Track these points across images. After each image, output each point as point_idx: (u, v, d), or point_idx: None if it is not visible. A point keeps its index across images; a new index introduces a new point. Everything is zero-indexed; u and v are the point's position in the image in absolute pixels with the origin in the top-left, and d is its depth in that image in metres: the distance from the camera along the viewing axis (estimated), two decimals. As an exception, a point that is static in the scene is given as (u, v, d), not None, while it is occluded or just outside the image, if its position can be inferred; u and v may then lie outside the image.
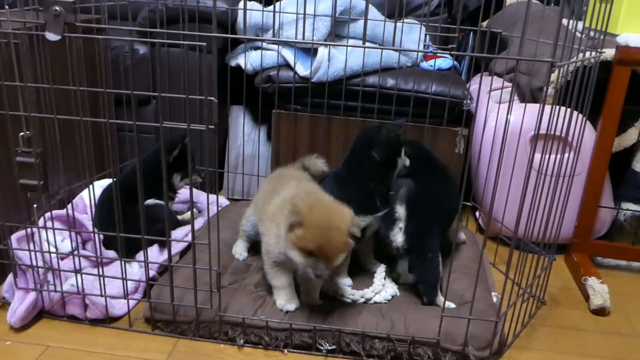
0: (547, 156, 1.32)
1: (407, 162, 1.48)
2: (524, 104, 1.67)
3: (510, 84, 1.87)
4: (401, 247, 1.39)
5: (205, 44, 1.08)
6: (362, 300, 1.38)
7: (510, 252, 1.21)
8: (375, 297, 1.39)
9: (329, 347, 1.23)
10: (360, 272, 1.52)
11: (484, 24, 2.20)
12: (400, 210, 1.38)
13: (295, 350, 1.26)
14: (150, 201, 1.50)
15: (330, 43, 1.62)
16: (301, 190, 1.27)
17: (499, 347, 1.26)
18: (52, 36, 1.08)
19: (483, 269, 1.55)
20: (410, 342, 1.21)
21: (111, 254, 1.46)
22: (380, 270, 1.49)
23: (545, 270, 1.45)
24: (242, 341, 1.26)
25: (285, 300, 1.28)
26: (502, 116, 1.69)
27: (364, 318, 1.25)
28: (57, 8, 1.07)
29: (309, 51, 1.80)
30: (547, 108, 1.19)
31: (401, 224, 1.38)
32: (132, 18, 1.89)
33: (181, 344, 1.27)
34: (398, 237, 1.39)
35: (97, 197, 1.52)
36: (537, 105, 1.65)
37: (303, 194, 1.23)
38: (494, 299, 1.37)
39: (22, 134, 1.18)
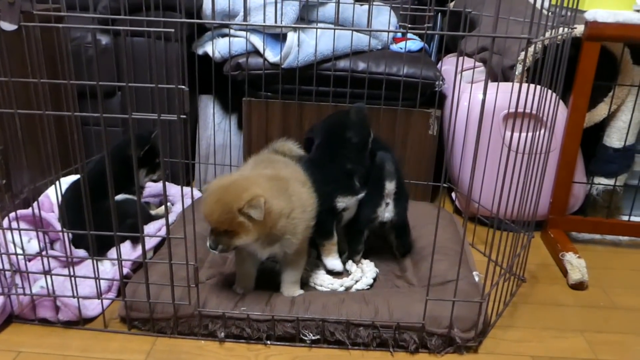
0: (520, 134, 1.32)
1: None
2: (496, 83, 1.67)
3: (481, 64, 1.87)
4: (391, 220, 1.44)
5: (172, 30, 1.03)
6: (342, 289, 1.36)
7: (493, 234, 1.20)
8: (356, 285, 1.37)
9: (313, 337, 1.21)
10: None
11: (451, 5, 2.19)
12: (390, 186, 1.40)
13: (278, 343, 1.23)
14: (119, 196, 1.45)
15: (299, 26, 1.58)
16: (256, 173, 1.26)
17: (484, 327, 1.26)
18: (7, 26, 1.02)
19: (464, 249, 1.55)
20: (396, 328, 1.20)
21: (81, 252, 1.41)
22: (350, 264, 1.48)
23: (525, 248, 1.45)
24: (223, 334, 1.22)
25: (236, 284, 1.30)
26: (474, 96, 1.69)
27: (347, 306, 1.23)
28: (11, -5, 1.01)
29: (278, 37, 1.76)
30: (519, 86, 1.18)
31: (388, 199, 1.41)
32: (93, 8, 1.82)
33: (160, 343, 1.23)
34: (386, 212, 1.43)
35: (60, 196, 1.46)
36: (509, 84, 1.66)
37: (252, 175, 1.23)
38: (476, 279, 1.37)
39: (-21, 131, 1.12)
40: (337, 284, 1.37)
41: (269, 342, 1.23)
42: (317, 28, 1.64)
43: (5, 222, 1.30)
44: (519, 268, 1.50)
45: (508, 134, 1.67)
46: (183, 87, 1.04)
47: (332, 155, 1.41)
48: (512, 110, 1.64)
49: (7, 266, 1.23)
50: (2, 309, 1.25)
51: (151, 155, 1.55)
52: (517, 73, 1.68)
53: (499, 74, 1.78)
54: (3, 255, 1.22)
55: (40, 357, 1.18)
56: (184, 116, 1.05)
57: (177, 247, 1.30)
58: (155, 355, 1.20)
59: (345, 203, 1.39)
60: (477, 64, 1.86)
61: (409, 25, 1.16)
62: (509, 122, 1.67)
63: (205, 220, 1.14)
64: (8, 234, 1.29)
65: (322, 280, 1.38)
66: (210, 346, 1.23)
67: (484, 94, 1.19)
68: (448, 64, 2.07)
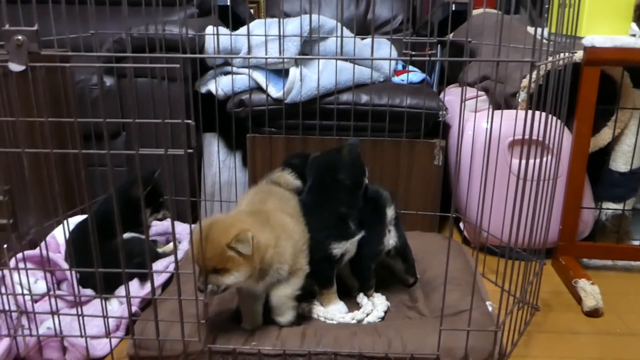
0: (527, 161, 1.32)
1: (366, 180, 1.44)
2: (499, 111, 1.68)
3: (483, 93, 1.89)
4: (395, 246, 1.42)
5: (177, 65, 1.04)
6: (353, 322, 1.33)
7: (505, 263, 1.18)
8: (368, 318, 1.35)
9: (326, 372, 1.18)
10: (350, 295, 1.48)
11: (450, 35, 2.23)
12: (390, 212, 1.38)
13: (290, 378, 1.20)
14: (125, 235, 1.44)
15: (300, 56, 1.61)
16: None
17: (500, 357, 1.23)
18: (15, 67, 1.04)
19: (474, 278, 1.53)
20: (410, 360, 1.17)
21: (88, 292, 1.39)
22: (361, 296, 1.45)
23: (537, 276, 1.43)
24: (234, 373, 1.20)
25: (244, 321, 1.28)
26: (478, 124, 1.69)
27: (359, 339, 1.20)
28: (19, 37, 1.02)
29: (281, 72, 1.78)
30: (523, 113, 1.18)
31: (390, 226, 1.39)
32: (96, 51, 1.85)
33: (169, 382, 1.20)
34: (390, 240, 1.41)
35: (67, 235, 1.46)
36: (513, 111, 1.67)
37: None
38: (489, 308, 1.35)
39: (-13, 171, 1.12)
40: (348, 317, 1.34)
41: (280, 378, 1.20)
42: (318, 58, 1.65)
43: (12, 263, 1.29)
44: (531, 296, 1.47)
45: (514, 161, 1.67)
46: (190, 121, 1.04)
47: (324, 198, 1.36)
48: (517, 137, 1.65)
49: (13, 307, 1.21)
50: (7, 352, 1.22)
51: (155, 194, 1.55)
52: (520, 100, 1.69)
53: (501, 102, 1.79)
54: (10, 297, 1.21)
55: (47, 401, 1.15)
56: (191, 150, 1.06)
57: (186, 285, 1.28)
58: (164, 395, 1.17)
59: (342, 249, 1.34)
60: (479, 93, 1.88)
61: (412, 52, 1.17)
62: (514, 149, 1.68)
63: (195, 261, 1.13)
64: (15, 274, 1.28)
65: (333, 314, 1.35)
66: (221, 384, 1.20)
67: (488, 121, 1.19)
68: (450, 95, 2.09)
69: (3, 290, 1.21)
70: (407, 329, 1.25)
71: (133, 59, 1.75)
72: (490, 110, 1.72)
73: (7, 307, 1.21)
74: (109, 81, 1.83)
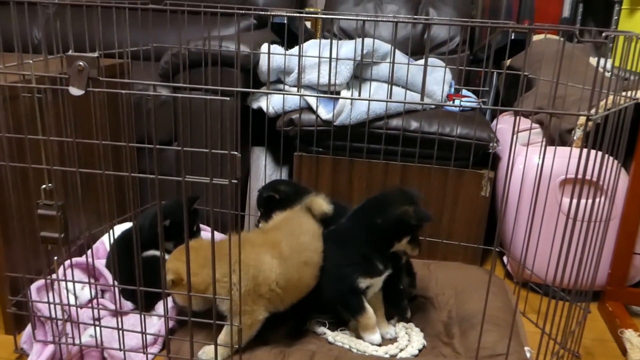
0: (578, 201, 1.27)
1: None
2: (553, 147, 1.63)
3: (538, 125, 1.84)
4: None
5: (228, 99, 1.07)
6: (386, 356, 1.33)
7: (547, 304, 1.15)
8: (401, 354, 1.34)
9: (355, 408, 1.18)
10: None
11: (507, 62, 2.18)
12: None
13: (318, 410, 1.20)
14: (155, 252, 1.46)
15: (352, 98, 1.60)
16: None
17: (534, 409, 1.19)
18: (75, 91, 1.08)
19: (515, 321, 1.49)
20: (440, 405, 1.16)
21: (129, 304, 1.43)
22: (400, 327, 1.44)
23: (580, 325, 1.38)
24: (263, 399, 1.21)
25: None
26: (530, 159, 1.65)
27: (390, 376, 1.20)
28: (80, 63, 1.06)
29: (332, 94, 1.78)
30: (578, 151, 1.14)
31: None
32: (154, 59, 1.90)
33: (200, 402, 1.23)
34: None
35: (111, 243, 1.49)
36: (567, 148, 1.61)
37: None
38: (527, 355, 1.31)
39: (44, 186, 1.17)
40: (381, 351, 1.34)
41: (309, 409, 1.20)
42: (369, 100, 1.64)
43: (61, 269, 1.34)
44: (573, 343, 1.42)
45: (565, 200, 1.62)
46: (235, 153, 1.06)
47: (362, 234, 1.34)
48: (570, 175, 1.59)
49: (59, 315, 1.27)
50: (52, 357, 1.28)
51: (190, 222, 1.54)
52: (575, 137, 1.64)
53: (556, 137, 1.74)
54: (56, 305, 1.26)
55: (84, 409, 1.20)
56: (235, 181, 1.07)
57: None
58: (194, 414, 1.19)
59: (368, 283, 1.33)
60: (534, 125, 1.83)
61: (464, 91, 1.15)
62: (566, 187, 1.62)
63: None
64: (63, 281, 1.34)
65: (366, 347, 1.35)
66: (250, 409, 1.21)
67: (540, 157, 1.16)
68: (503, 123, 2.04)
69: (51, 297, 1.27)
70: (440, 369, 1.23)
71: (189, 72, 1.80)
72: (544, 145, 1.67)
73: (53, 315, 1.26)
74: (164, 93, 1.88)
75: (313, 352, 1.29)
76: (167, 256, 1.43)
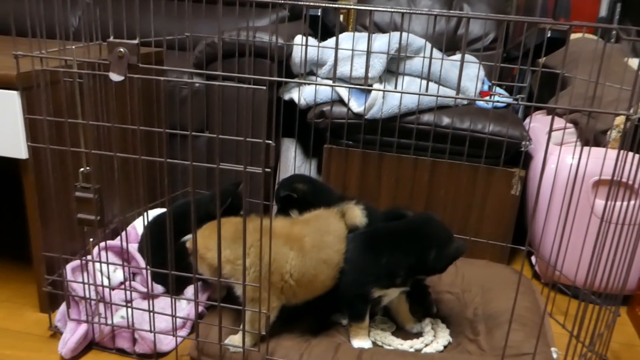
0: (611, 203, 1.26)
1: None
2: (587, 147, 1.60)
3: (572, 125, 1.81)
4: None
5: (264, 87, 1.08)
6: (411, 350, 1.33)
7: (578, 307, 1.14)
8: (426, 349, 1.34)
9: (378, 400, 1.19)
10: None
11: (542, 60, 2.14)
12: None
13: (342, 400, 1.22)
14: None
15: (384, 90, 1.59)
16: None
17: (559, 410, 1.19)
18: (115, 77, 1.10)
19: (541, 320, 1.48)
20: (464, 400, 1.16)
21: (160, 288, 1.46)
22: (427, 322, 1.44)
23: (609, 328, 1.36)
24: (288, 387, 1.23)
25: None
26: (563, 159, 1.63)
27: (415, 370, 1.20)
28: (121, 49, 1.09)
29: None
30: (613, 152, 1.12)
31: None
32: (189, 48, 1.93)
33: (226, 386, 1.25)
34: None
35: (144, 229, 1.52)
36: (602, 149, 1.59)
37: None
38: (554, 355, 1.30)
39: (81, 169, 1.20)
40: (406, 345, 1.34)
41: (333, 399, 1.22)
42: (401, 92, 1.63)
43: (95, 251, 1.38)
44: (601, 346, 1.40)
45: (597, 201, 1.59)
46: (270, 142, 1.07)
47: (390, 247, 1.30)
48: (604, 177, 1.57)
49: (93, 295, 1.30)
50: (84, 336, 1.32)
51: (233, 209, 1.57)
52: (611, 138, 1.61)
53: (590, 137, 1.71)
54: (90, 285, 1.30)
55: (114, 388, 1.24)
56: (269, 169, 1.09)
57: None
58: (220, 398, 1.21)
59: (381, 294, 1.31)
60: (568, 125, 1.80)
61: (497, 89, 1.14)
62: (599, 189, 1.60)
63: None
64: (97, 263, 1.37)
65: (391, 340, 1.36)
66: (275, 396, 1.23)
67: (574, 158, 1.14)
68: (536, 122, 2.01)
69: (85, 278, 1.30)
70: (465, 366, 1.23)
71: (223, 64, 1.82)
72: (578, 145, 1.65)
73: (87, 295, 1.30)
74: (198, 82, 1.90)
75: (338, 343, 1.30)
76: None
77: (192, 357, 1.30)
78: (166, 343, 1.34)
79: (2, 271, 1.66)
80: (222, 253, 1.19)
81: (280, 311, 1.33)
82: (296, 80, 1.43)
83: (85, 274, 1.34)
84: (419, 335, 1.41)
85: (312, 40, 1.90)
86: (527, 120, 2.05)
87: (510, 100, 1.87)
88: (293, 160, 2.00)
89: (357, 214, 1.38)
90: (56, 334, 1.38)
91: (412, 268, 1.29)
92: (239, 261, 1.21)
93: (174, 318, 1.29)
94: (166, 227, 1.18)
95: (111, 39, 1.09)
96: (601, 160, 1.51)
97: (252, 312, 1.23)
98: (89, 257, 1.34)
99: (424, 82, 1.79)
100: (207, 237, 1.25)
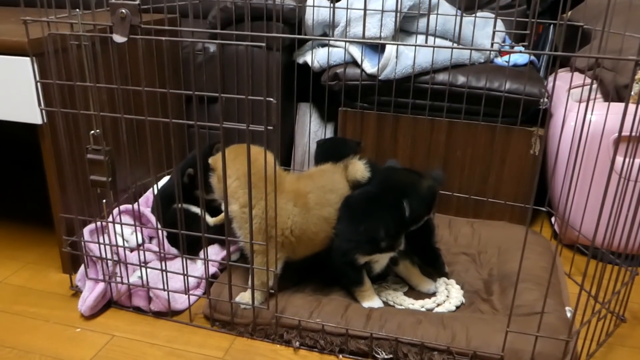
0: (631, 160, 1.22)
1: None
2: (607, 103, 1.55)
3: (593, 81, 1.74)
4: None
5: (264, 44, 1.07)
6: (422, 309, 1.33)
7: (590, 264, 1.11)
8: (438, 308, 1.34)
9: (386, 356, 1.20)
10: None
11: (567, 15, 2.06)
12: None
13: (351, 356, 1.23)
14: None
15: (398, 43, 1.57)
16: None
17: (570, 367, 1.17)
18: (118, 38, 1.11)
19: (557, 279, 1.45)
20: (472, 357, 1.16)
21: (174, 250, 1.50)
22: (441, 282, 1.43)
23: (627, 285, 1.33)
24: (297, 344, 1.25)
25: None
26: (582, 116, 1.57)
27: (423, 328, 1.20)
28: (123, 11, 1.09)
29: (377, 48, 1.76)
30: (633, 107, 1.08)
31: None
32: (202, 16, 1.93)
33: (238, 342, 1.28)
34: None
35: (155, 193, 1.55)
36: (622, 104, 1.53)
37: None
38: (568, 314, 1.28)
39: (92, 132, 1.23)
40: (417, 305, 1.34)
41: (341, 355, 1.23)
42: (415, 45, 1.60)
43: (116, 213, 1.41)
44: (619, 306, 1.38)
45: (618, 158, 1.54)
46: (271, 99, 1.07)
47: (373, 211, 1.28)
48: (625, 133, 1.51)
49: (110, 256, 1.34)
50: (102, 295, 1.36)
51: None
52: (632, 93, 1.55)
53: (612, 92, 1.65)
54: (107, 246, 1.33)
55: (131, 343, 1.28)
56: (271, 127, 1.09)
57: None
58: (232, 353, 1.24)
59: (367, 259, 1.31)
60: (588, 81, 1.74)
61: (513, 44, 1.10)
62: (620, 146, 1.55)
63: None
64: (117, 226, 1.41)
65: (402, 300, 1.36)
66: (285, 351, 1.25)
67: (590, 113, 1.11)
68: (558, 80, 1.95)
69: (102, 240, 1.34)
70: (475, 324, 1.22)
71: (236, 28, 1.81)
72: (598, 101, 1.59)
73: (104, 255, 1.34)
74: (212, 47, 1.90)
75: (349, 303, 1.32)
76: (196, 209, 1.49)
77: (205, 314, 1.33)
78: (181, 302, 1.38)
79: (28, 236, 1.73)
80: (233, 191, 1.22)
81: (291, 272, 1.34)
82: (312, 37, 1.41)
83: (102, 237, 1.37)
84: (433, 295, 1.40)
85: (324, 2, 1.87)
86: (549, 79, 1.99)
87: (524, 55, 1.81)
88: (309, 125, 1.99)
89: (358, 168, 1.37)
90: (77, 293, 1.43)
91: (394, 227, 1.27)
92: (245, 208, 1.22)
93: (185, 277, 1.32)
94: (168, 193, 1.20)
95: (113, 0, 1.10)
96: (621, 116, 1.45)
97: (261, 256, 1.24)
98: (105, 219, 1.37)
99: (439, 40, 1.75)
100: (231, 160, 1.24)
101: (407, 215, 1.26)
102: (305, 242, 1.28)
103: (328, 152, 1.53)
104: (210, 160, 1.31)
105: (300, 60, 1.89)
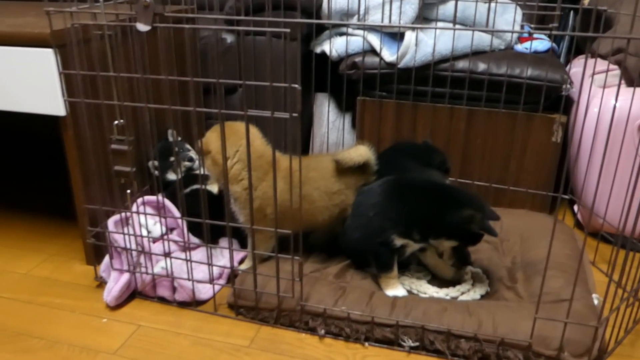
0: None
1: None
2: (631, 89, 1.53)
3: (616, 67, 1.72)
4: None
5: (288, 30, 1.06)
6: (447, 298, 1.32)
7: (616, 252, 1.10)
8: (462, 297, 1.33)
9: (412, 344, 1.20)
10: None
11: (585, 2, 2.04)
12: None
13: (376, 344, 1.23)
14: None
15: (417, 26, 1.55)
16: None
17: (599, 354, 1.16)
18: (142, 27, 1.11)
19: (582, 267, 1.44)
20: (499, 344, 1.15)
21: (196, 240, 1.50)
22: (466, 270, 1.42)
23: (654, 272, 1.32)
24: (323, 332, 1.25)
25: None
26: (606, 102, 1.56)
27: (449, 315, 1.20)
28: (146, -1, 1.09)
29: (396, 36, 1.74)
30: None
31: None
32: (219, 8, 1.92)
33: (263, 331, 1.28)
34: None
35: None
36: (648, 89, 1.51)
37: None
38: (595, 302, 1.27)
39: (115, 122, 1.23)
40: (442, 293, 1.34)
41: (367, 343, 1.23)
42: (435, 28, 1.59)
43: (136, 206, 1.42)
44: (646, 293, 1.36)
45: (643, 144, 1.52)
46: (296, 85, 1.07)
47: (406, 201, 1.32)
48: (650, 118, 1.50)
49: (134, 246, 1.35)
50: (127, 285, 1.37)
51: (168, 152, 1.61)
52: (657, 78, 1.53)
53: (635, 78, 1.63)
54: (131, 236, 1.34)
55: (157, 332, 1.28)
56: (296, 114, 1.08)
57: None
58: (258, 342, 1.25)
59: (403, 243, 1.30)
60: (612, 66, 1.71)
61: (533, 26, 1.09)
62: (645, 131, 1.53)
63: None
64: (141, 216, 1.41)
65: (426, 288, 1.35)
66: (310, 340, 1.25)
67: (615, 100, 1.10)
68: (579, 66, 1.93)
69: (126, 231, 1.34)
70: (501, 311, 1.22)
71: (253, 17, 1.80)
72: (622, 87, 1.57)
73: (128, 246, 1.34)
74: (230, 38, 1.90)
75: (373, 291, 1.31)
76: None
77: (230, 303, 1.33)
78: (204, 292, 1.38)
79: (52, 228, 1.74)
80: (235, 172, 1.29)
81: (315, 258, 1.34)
82: (331, 21, 1.40)
83: (126, 228, 1.38)
84: (457, 284, 1.40)
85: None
86: (569, 65, 1.96)
87: (547, 41, 1.79)
88: (327, 115, 1.99)
89: (361, 150, 1.38)
90: (102, 284, 1.44)
91: (428, 224, 1.28)
92: (246, 184, 1.28)
93: (210, 267, 1.32)
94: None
95: (136, -11, 1.09)
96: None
97: (258, 233, 1.32)
98: (128, 211, 1.38)
99: (458, 26, 1.73)
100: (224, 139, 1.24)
101: (443, 224, 1.26)
102: (289, 218, 1.29)
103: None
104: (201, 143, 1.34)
105: (318, 50, 1.88)
